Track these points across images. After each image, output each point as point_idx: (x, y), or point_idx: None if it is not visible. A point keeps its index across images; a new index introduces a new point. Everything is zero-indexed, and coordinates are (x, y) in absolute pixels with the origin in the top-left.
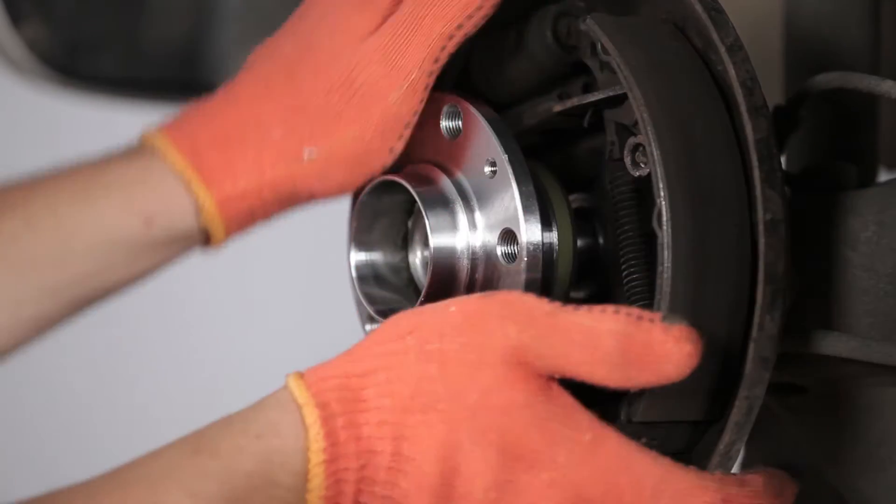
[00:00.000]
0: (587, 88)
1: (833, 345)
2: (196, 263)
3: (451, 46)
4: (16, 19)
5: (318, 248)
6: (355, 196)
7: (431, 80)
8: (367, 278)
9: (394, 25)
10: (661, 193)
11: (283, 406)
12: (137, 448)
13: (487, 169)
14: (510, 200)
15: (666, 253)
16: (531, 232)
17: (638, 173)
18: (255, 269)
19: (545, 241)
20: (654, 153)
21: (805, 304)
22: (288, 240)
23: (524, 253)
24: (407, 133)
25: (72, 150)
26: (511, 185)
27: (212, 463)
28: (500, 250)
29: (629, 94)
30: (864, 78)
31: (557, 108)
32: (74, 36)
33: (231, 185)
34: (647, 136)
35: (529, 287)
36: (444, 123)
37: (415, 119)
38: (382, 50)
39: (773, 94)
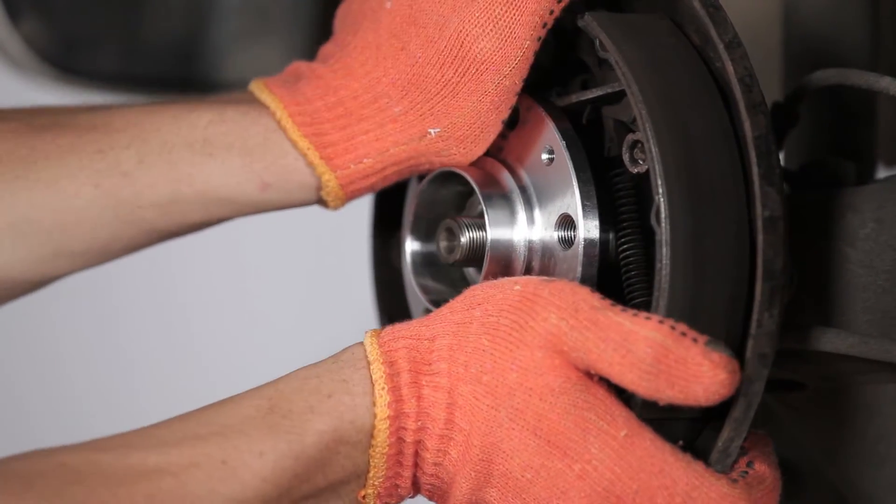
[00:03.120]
0: (585, 85)
1: (831, 341)
2: (197, 264)
3: (559, 9)
4: (14, 15)
5: (319, 248)
6: (403, 186)
7: (538, 45)
8: (422, 269)
9: None
10: (660, 190)
11: (355, 363)
12: None
13: (545, 156)
14: (569, 190)
15: (664, 249)
16: (589, 219)
17: (636, 170)
18: (254, 270)
19: (602, 228)
20: (653, 150)
21: (803, 301)
22: (289, 239)
23: (581, 239)
24: (515, 100)
25: None
26: (570, 174)
27: (284, 422)
28: (556, 235)
29: (627, 91)
30: (863, 74)
31: (556, 104)
32: (72, 32)
33: (354, 165)
34: (645, 132)
35: (586, 272)
36: (545, 156)
37: (522, 84)
38: (494, 20)
39: (772, 91)
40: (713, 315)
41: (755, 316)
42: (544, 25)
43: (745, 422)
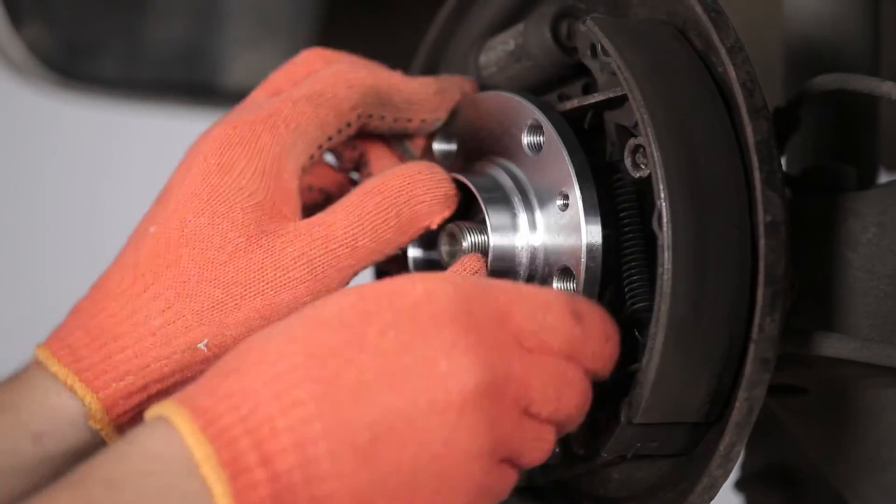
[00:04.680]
0: (587, 90)
1: (833, 346)
2: None
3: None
4: (16, 20)
5: None
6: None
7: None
8: None
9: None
10: (662, 195)
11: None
12: None
13: (560, 201)
14: (570, 192)
15: (666, 254)
16: (590, 224)
17: (638, 174)
18: None
19: (604, 233)
20: (655, 154)
21: (805, 306)
22: None
23: (583, 244)
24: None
25: (72, 152)
26: (571, 178)
27: None
28: (559, 240)
29: (629, 96)
30: (864, 79)
31: (558, 109)
32: (75, 37)
33: (116, 384)
34: (647, 137)
35: (588, 277)
36: (527, 139)
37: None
38: (299, 258)
39: (774, 96)
40: (715, 319)
41: (757, 320)
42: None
43: (746, 426)
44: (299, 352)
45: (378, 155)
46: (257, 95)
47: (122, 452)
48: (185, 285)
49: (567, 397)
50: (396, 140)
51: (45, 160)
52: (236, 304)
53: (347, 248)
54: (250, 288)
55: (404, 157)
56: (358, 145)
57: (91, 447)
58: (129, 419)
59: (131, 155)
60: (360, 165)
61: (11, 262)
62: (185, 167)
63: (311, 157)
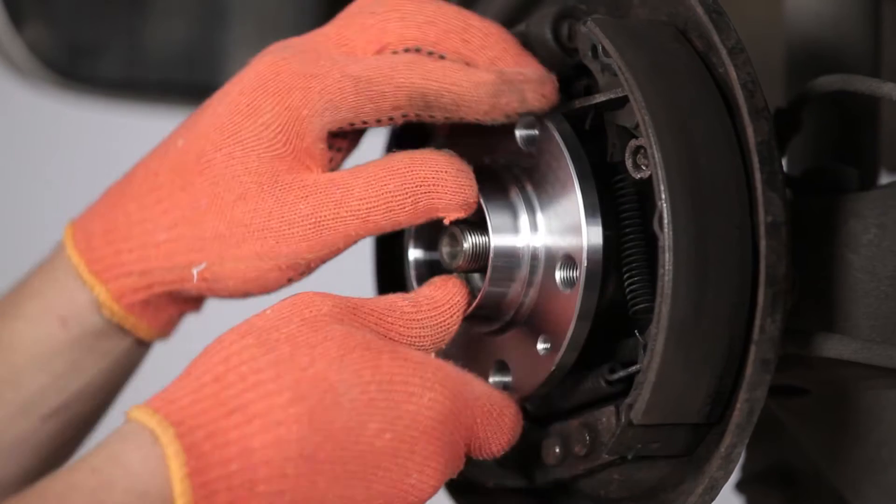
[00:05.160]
0: (588, 91)
1: (834, 347)
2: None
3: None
4: (17, 21)
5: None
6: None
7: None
8: (426, 277)
9: (318, 186)
10: (662, 196)
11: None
12: None
13: (561, 203)
14: (571, 193)
15: (667, 255)
16: (592, 225)
17: (639, 176)
18: None
19: (605, 234)
20: (656, 155)
21: (806, 307)
22: None
23: (584, 245)
24: (310, 271)
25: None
26: (572, 179)
27: None
28: (560, 241)
29: (630, 97)
30: (865, 80)
31: (558, 110)
32: (76, 38)
33: (124, 278)
34: (648, 138)
35: (589, 279)
36: (520, 132)
37: (319, 263)
38: (308, 216)
39: (775, 97)
40: (716, 320)
41: (758, 321)
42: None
43: (747, 427)
44: (286, 400)
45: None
46: (327, 38)
47: (104, 468)
48: (194, 212)
49: None
50: None
51: (45, 161)
52: (237, 242)
53: (358, 219)
54: (254, 231)
55: None
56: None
57: (111, 329)
58: (139, 308)
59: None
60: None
61: (12, 262)
62: (227, 88)
63: (341, 129)
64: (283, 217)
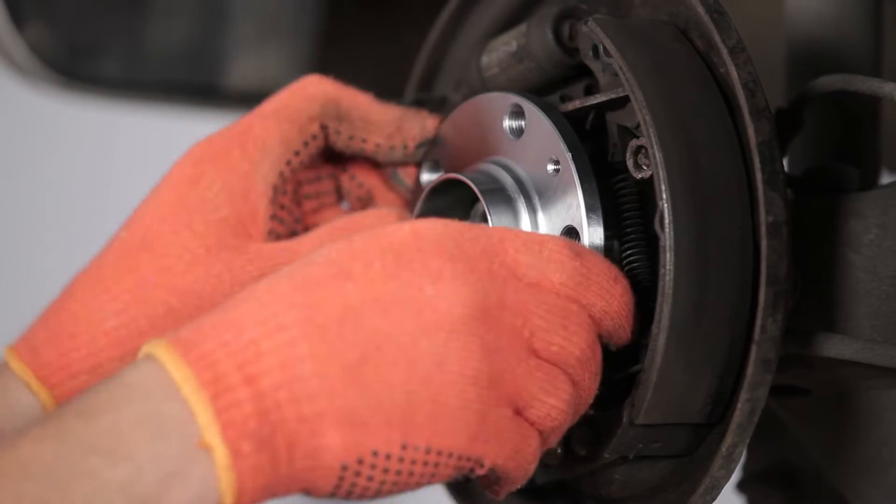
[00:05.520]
0: (589, 91)
1: (835, 347)
2: None
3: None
4: (18, 21)
5: None
6: (413, 193)
7: None
8: None
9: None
10: (663, 196)
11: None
12: None
13: (550, 167)
14: (573, 199)
15: (668, 255)
16: (592, 225)
17: (640, 175)
18: None
19: (606, 235)
20: (657, 155)
21: (807, 307)
22: None
23: (585, 245)
24: None
25: (74, 153)
26: (574, 183)
27: None
28: None
29: (631, 97)
30: (867, 80)
31: (560, 110)
32: (77, 38)
33: (70, 381)
34: (649, 138)
35: None
36: (508, 123)
37: None
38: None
39: (776, 97)
40: (717, 320)
41: (759, 321)
42: None
43: (748, 427)
44: (285, 285)
45: (381, 190)
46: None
47: (100, 387)
48: (142, 290)
49: (573, 332)
50: (390, 169)
51: (46, 161)
52: (190, 314)
53: None
54: (205, 299)
55: (394, 184)
56: (364, 183)
57: None
58: None
59: (133, 156)
60: (367, 203)
61: (12, 262)
62: (163, 177)
63: (281, 174)
64: (233, 280)
